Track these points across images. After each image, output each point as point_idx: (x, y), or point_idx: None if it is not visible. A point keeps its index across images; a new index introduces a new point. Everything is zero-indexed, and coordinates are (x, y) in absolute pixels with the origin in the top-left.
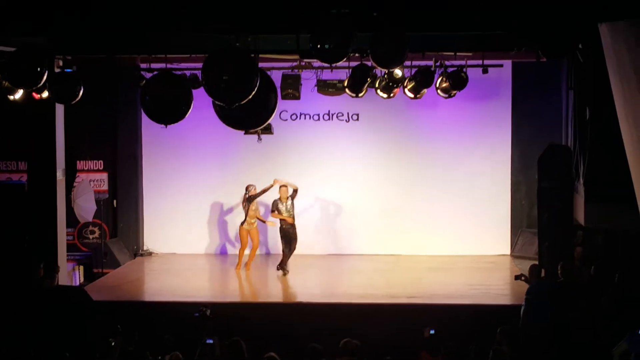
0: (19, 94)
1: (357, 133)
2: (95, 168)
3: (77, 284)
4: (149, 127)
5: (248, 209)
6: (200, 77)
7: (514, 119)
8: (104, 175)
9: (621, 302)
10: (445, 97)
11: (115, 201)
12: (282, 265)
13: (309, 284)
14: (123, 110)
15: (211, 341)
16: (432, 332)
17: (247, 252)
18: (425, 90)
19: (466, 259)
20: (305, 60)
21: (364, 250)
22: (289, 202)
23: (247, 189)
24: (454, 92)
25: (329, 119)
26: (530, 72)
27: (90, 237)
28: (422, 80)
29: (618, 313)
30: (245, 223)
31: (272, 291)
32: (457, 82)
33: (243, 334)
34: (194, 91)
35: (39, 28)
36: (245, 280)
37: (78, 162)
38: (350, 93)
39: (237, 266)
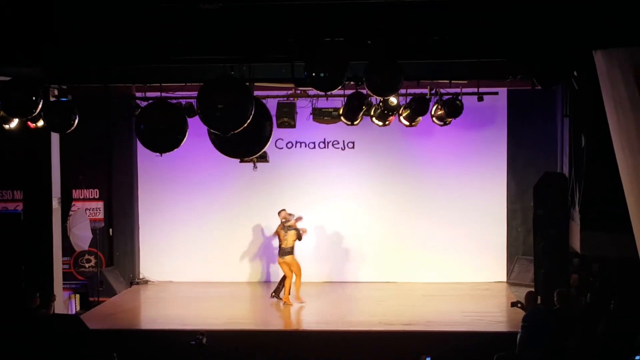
0: (14, 123)
1: (352, 161)
2: (91, 197)
3: (73, 312)
4: (144, 156)
5: (282, 237)
6: (195, 106)
7: (510, 147)
8: (100, 204)
9: (617, 329)
10: (441, 125)
11: (111, 230)
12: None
13: (305, 312)
14: (118, 138)
15: None
16: (428, 359)
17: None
18: (420, 118)
19: (462, 286)
20: (301, 88)
21: (359, 278)
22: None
23: (282, 215)
24: (449, 119)
25: (324, 147)
26: (526, 100)
27: (86, 265)
28: (417, 108)
29: (614, 340)
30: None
31: (268, 319)
32: (452, 109)
33: None
34: (190, 120)
35: (33, 58)
36: (242, 308)
37: (74, 191)
38: (345, 121)
39: (285, 297)
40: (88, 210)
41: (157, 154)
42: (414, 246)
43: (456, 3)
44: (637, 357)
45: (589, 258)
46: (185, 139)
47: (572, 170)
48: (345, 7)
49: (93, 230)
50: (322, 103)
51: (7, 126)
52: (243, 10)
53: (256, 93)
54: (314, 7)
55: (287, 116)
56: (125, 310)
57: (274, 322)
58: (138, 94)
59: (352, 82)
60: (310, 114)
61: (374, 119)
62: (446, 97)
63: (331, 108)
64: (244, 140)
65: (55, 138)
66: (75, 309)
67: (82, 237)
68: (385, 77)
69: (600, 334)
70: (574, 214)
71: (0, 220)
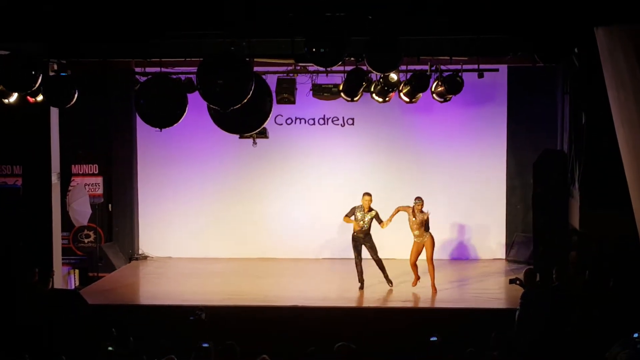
0: (13, 98)
1: (352, 137)
2: (90, 172)
3: (73, 287)
4: (143, 131)
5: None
6: (195, 81)
7: (510, 123)
8: (99, 179)
9: (615, 306)
10: (441, 102)
11: (110, 205)
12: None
13: (304, 288)
14: (118, 113)
15: (206, 345)
16: (433, 339)
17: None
18: (420, 95)
19: (461, 262)
20: (301, 64)
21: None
22: (368, 214)
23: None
24: (450, 96)
25: (324, 123)
26: (526, 77)
27: (86, 241)
28: (417, 85)
29: (612, 317)
30: (416, 237)
31: (267, 295)
32: (452, 86)
33: (238, 338)
34: (189, 95)
35: (33, 32)
36: (241, 284)
37: (73, 166)
38: (345, 97)
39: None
40: (87, 186)
41: (157, 129)
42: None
43: None
44: (635, 335)
45: (588, 235)
46: (184, 114)
47: (572, 148)
48: None
49: (92, 206)
50: (322, 79)
51: (6, 100)
52: None
53: (256, 69)
54: None
55: (287, 92)
56: (124, 286)
57: (273, 298)
58: (137, 69)
59: (352, 58)
60: (310, 90)
61: (374, 95)
62: (446, 73)
63: (331, 84)
64: (243, 116)
65: (54, 113)
66: (75, 284)
67: (81, 212)
68: (386, 53)
69: (598, 311)
70: (573, 192)
71: (0, 195)
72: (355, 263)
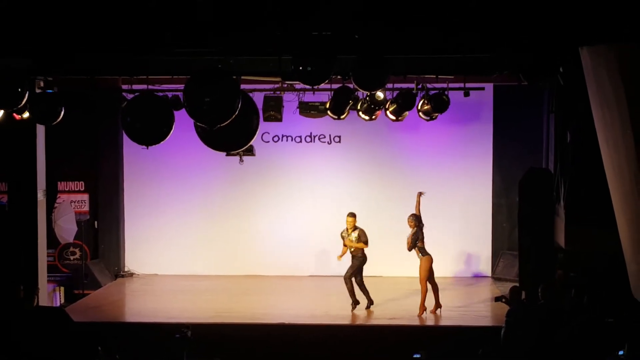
0: None
1: (338, 155)
2: (76, 189)
3: (58, 305)
4: (130, 148)
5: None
6: (182, 99)
7: (496, 142)
8: (85, 197)
9: (600, 323)
10: (427, 120)
11: (96, 222)
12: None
13: (291, 305)
14: (104, 131)
15: None
16: (417, 356)
17: None
18: (406, 113)
19: (447, 280)
20: (288, 82)
21: (344, 272)
22: (353, 233)
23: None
24: (436, 114)
25: (310, 141)
26: (512, 96)
27: (71, 258)
28: (403, 103)
29: (597, 334)
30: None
31: (254, 312)
32: (438, 104)
33: (225, 355)
34: (176, 112)
35: (19, 49)
36: (227, 302)
37: (59, 183)
38: (332, 115)
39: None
40: (73, 203)
41: (143, 146)
42: (399, 240)
43: None
44: (621, 352)
45: (574, 253)
46: (171, 131)
47: (558, 166)
48: (332, 1)
49: (78, 223)
50: (309, 97)
51: None
52: (230, 3)
53: (243, 86)
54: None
55: (274, 110)
56: (109, 303)
57: (260, 316)
58: (124, 87)
59: (339, 77)
60: (297, 107)
61: (360, 113)
62: (433, 92)
63: (318, 102)
64: (230, 134)
65: (40, 130)
66: (60, 301)
67: (67, 229)
68: (372, 72)
69: (576, 329)
70: (559, 210)
71: None
72: (357, 282)
